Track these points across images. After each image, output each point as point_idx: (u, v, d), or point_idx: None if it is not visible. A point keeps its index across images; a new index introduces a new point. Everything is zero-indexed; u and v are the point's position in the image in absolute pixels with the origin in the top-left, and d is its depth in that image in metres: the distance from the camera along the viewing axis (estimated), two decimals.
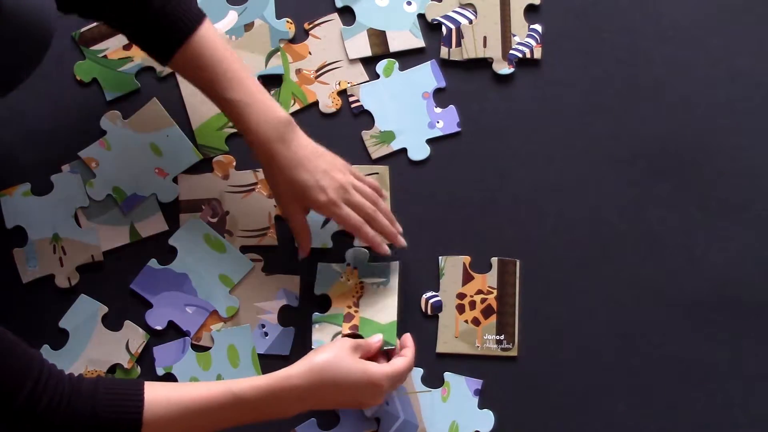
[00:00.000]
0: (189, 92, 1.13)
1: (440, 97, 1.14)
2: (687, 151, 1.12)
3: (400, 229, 1.06)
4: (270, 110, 0.99)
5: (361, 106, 1.14)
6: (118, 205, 1.10)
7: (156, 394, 0.90)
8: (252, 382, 0.92)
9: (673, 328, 1.08)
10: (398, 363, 0.98)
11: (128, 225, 1.10)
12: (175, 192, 1.11)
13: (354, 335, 1.05)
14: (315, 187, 0.99)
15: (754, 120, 1.13)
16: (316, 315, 1.07)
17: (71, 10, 0.97)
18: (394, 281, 1.07)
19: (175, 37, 0.97)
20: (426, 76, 1.14)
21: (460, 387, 1.07)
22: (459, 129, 1.13)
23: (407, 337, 1.03)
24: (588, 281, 1.09)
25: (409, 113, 1.13)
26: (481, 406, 1.06)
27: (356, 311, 1.07)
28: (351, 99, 1.14)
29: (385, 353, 1.02)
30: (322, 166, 1.00)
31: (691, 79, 1.14)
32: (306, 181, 0.99)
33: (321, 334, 1.06)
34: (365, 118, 1.13)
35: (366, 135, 1.13)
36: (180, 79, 1.14)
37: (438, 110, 1.13)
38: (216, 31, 1.00)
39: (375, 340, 1.00)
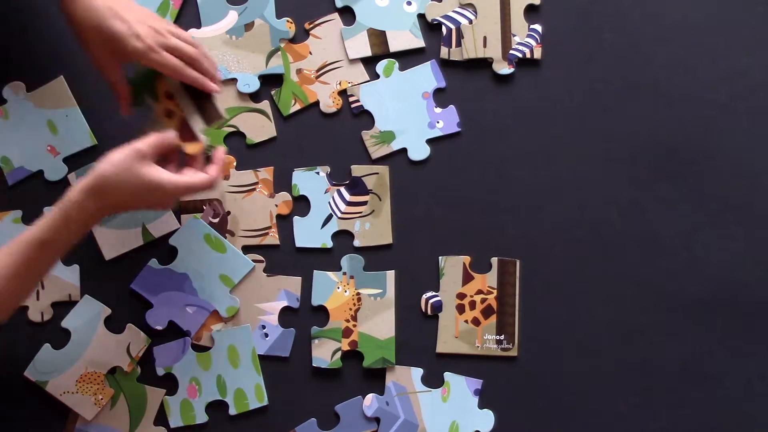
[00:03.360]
0: None
1: (440, 97, 1.14)
2: (687, 151, 1.12)
3: (220, 76, 1.04)
4: None
5: (361, 106, 1.14)
6: (4, 175, 1.10)
7: None
8: (45, 215, 0.95)
9: (673, 328, 1.08)
10: (193, 177, 0.97)
11: (140, 227, 1.10)
12: (63, 171, 1.11)
13: (353, 352, 1.06)
14: (129, 35, 0.96)
15: (754, 120, 1.13)
16: (314, 330, 1.08)
17: None
18: (391, 292, 1.08)
19: None
20: (426, 76, 1.14)
21: (460, 387, 1.07)
22: (459, 129, 1.13)
23: (220, 150, 1.01)
24: (588, 281, 1.09)
25: (409, 113, 1.13)
26: (481, 406, 1.06)
27: (354, 325, 1.07)
28: (351, 99, 1.14)
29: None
30: (135, 16, 0.98)
31: (691, 79, 1.14)
32: (119, 30, 0.96)
33: (321, 350, 1.07)
34: (365, 118, 1.14)
35: (366, 135, 1.13)
36: None
37: (438, 110, 1.13)
38: None
39: (170, 134, 0.99)
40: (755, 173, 1.12)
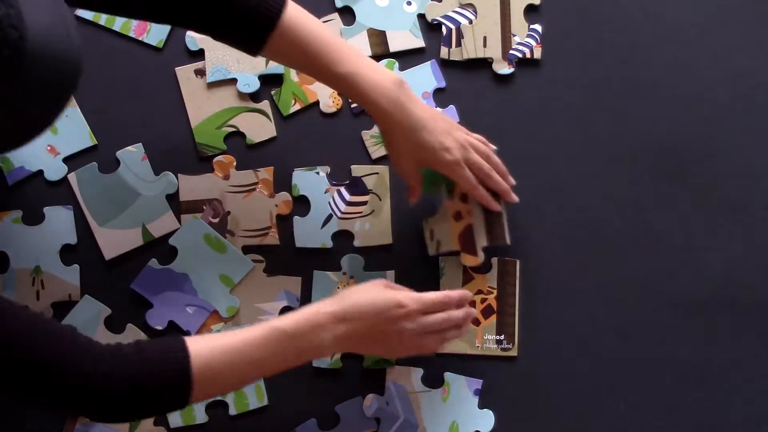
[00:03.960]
0: (188, 91, 1.13)
1: (440, 97, 1.14)
2: (687, 150, 1.12)
3: (513, 182, 1.06)
4: (379, 75, 0.98)
5: None
6: (4, 176, 1.10)
7: (198, 344, 0.90)
8: (289, 314, 0.94)
9: (673, 328, 1.08)
10: (428, 294, 0.98)
11: (140, 227, 1.10)
12: (63, 171, 1.11)
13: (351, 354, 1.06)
14: (440, 148, 1.00)
15: (754, 120, 1.13)
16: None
17: (165, 18, 0.98)
18: None
19: (264, 25, 0.96)
20: (426, 76, 1.14)
21: (460, 387, 1.07)
22: None
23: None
24: (588, 281, 1.09)
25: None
26: (481, 406, 1.06)
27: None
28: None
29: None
30: (441, 126, 1.01)
31: (691, 79, 1.14)
32: (431, 143, 0.99)
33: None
34: (365, 117, 1.13)
35: (366, 135, 1.13)
36: (180, 76, 1.14)
37: (438, 110, 1.13)
38: (299, 8, 0.98)
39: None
40: (755, 173, 1.12)
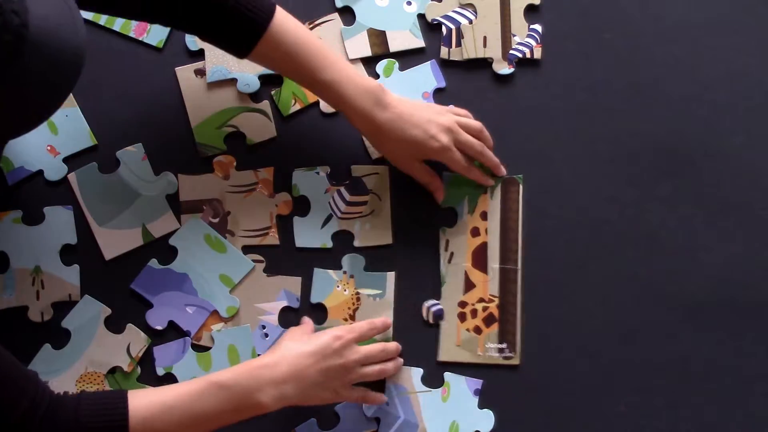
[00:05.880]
0: (188, 91, 1.13)
1: (440, 97, 1.14)
2: (687, 151, 1.12)
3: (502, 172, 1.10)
4: (360, 82, 1.02)
5: None
6: (4, 176, 1.10)
7: (138, 399, 0.91)
8: (229, 368, 0.96)
9: (673, 328, 1.08)
10: (355, 323, 1.04)
11: (140, 227, 1.10)
12: (63, 171, 1.11)
13: None
14: (426, 138, 1.03)
15: (754, 120, 1.13)
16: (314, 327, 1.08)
17: (156, 17, 0.99)
18: (390, 294, 1.08)
19: (254, 30, 0.98)
20: (426, 76, 1.14)
21: (460, 387, 1.07)
22: None
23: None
24: (587, 281, 1.09)
25: None
26: (481, 406, 1.06)
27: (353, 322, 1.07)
28: None
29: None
30: (424, 115, 1.03)
31: (691, 79, 1.14)
32: (416, 136, 1.02)
33: None
34: None
35: None
36: (180, 76, 1.13)
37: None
38: (286, 13, 1.01)
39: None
40: (755, 173, 1.12)
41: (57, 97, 0.78)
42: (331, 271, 1.09)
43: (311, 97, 1.14)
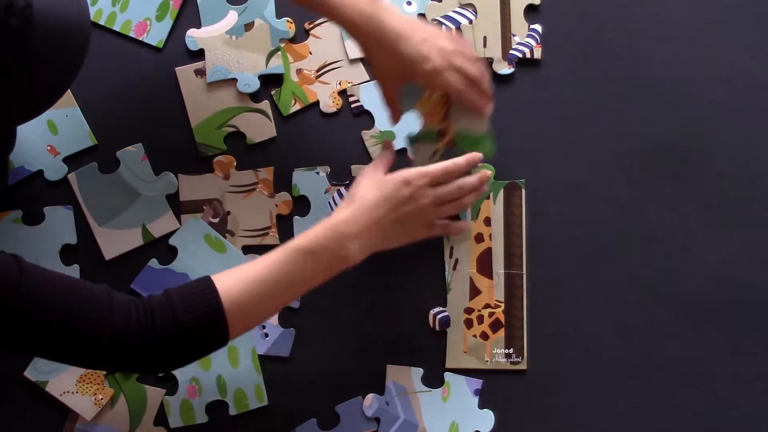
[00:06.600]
0: (188, 91, 1.13)
1: None
2: (687, 151, 1.12)
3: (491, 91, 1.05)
4: None
5: (362, 106, 1.14)
6: (4, 175, 1.10)
7: (225, 281, 0.90)
8: (309, 231, 0.94)
9: (673, 328, 1.08)
10: (431, 166, 0.99)
11: (140, 227, 1.10)
12: (63, 171, 1.11)
13: (451, 150, 1.05)
14: (419, 58, 0.97)
15: (754, 120, 1.13)
16: (409, 135, 1.08)
17: None
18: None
19: None
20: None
21: (460, 387, 1.07)
22: None
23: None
24: (587, 281, 1.09)
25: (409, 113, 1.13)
26: (481, 406, 1.06)
27: (448, 125, 1.05)
28: (351, 99, 1.14)
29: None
30: (420, 34, 0.99)
31: (691, 79, 1.14)
32: (408, 54, 0.97)
33: (420, 155, 1.07)
34: (366, 118, 1.13)
35: (366, 135, 1.13)
36: (180, 76, 1.14)
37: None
38: None
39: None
40: (755, 173, 1.12)
41: (68, 75, 0.79)
42: (417, 83, 1.04)
43: (311, 97, 1.14)
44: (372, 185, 0.97)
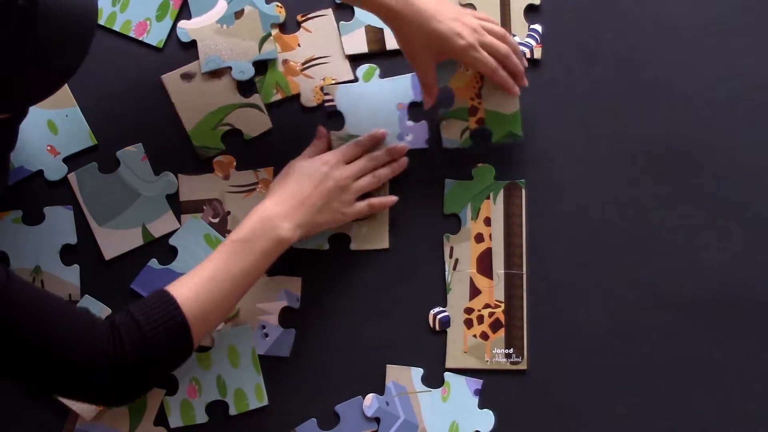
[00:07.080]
0: (178, 97, 1.13)
1: (415, 112, 1.12)
2: (687, 151, 1.12)
3: (526, 64, 1.09)
4: None
5: (335, 106, 1.13)
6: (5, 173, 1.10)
7: (180, 289, 0.94)
8: (239, 224, 1.01)
9: (673, 328, 1.08)
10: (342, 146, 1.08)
11: (140, 227, 1.10)
12: (63, 171, 1.11)
13: (481, 129, 1.09)
14: (452, 34, 1.01)
15: (754, 120, 1.13)
16: (441, 111, 1.09)
17: None
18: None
19: None
20: (404, 87, 1.12)
21: (460, 387, 1.07)
22: (427, 146, 1.11)
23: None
24: (587, 281, 1.09)
25: (380, 121, 1.12)
26: (481, 406, 1.06)
27: (480, 103, 1.09)
28: (326, 98, 1.13)
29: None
30: (450, 13, 1.02)
31: (691, 79, 1.13)
32: (441, 30, 1.01)
33: (449, 131, 1.10)
34: (337, 119, 1.13)
35: (333, 136, 1.11)
36: (167, 83, 1.13)
37: (410, 123, 1.12)
38: None
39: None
40: (755, 173, 1.12)
41: (76, 57, 0.81)
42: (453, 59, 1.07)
43: (294, 89, 1.13)
44: (295, 170, 1.04)
